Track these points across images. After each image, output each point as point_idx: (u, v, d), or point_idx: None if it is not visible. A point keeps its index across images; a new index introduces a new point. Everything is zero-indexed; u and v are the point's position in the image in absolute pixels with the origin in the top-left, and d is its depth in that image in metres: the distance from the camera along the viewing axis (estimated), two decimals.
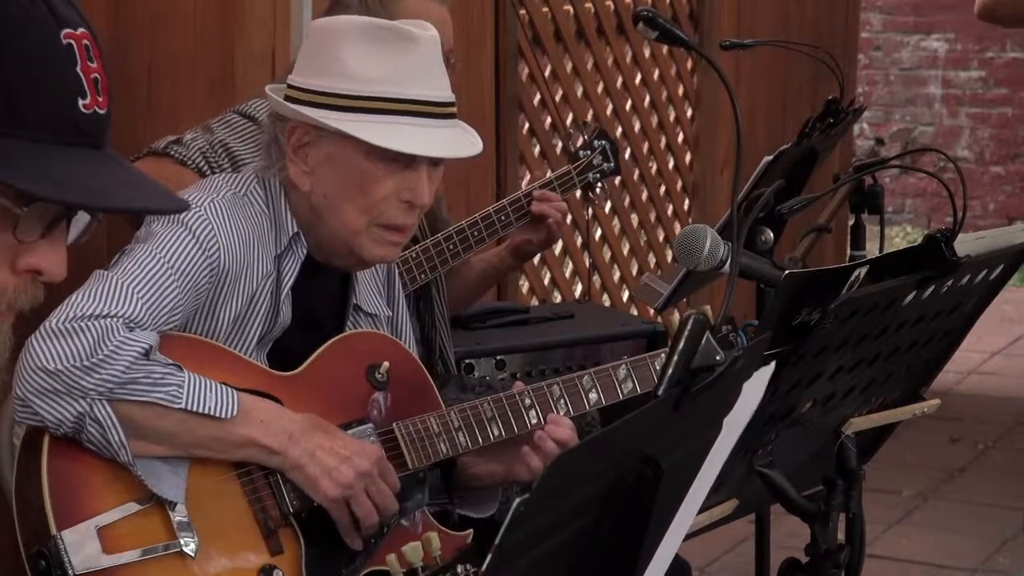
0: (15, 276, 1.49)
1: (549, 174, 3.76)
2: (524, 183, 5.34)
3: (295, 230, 2.71)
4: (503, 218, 3.55)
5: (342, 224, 2.68)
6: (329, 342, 2.75)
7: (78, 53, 1.47)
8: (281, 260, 2.71)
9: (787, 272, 2.35)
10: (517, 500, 1.45)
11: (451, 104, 2.67)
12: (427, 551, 2.34)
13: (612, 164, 3.70)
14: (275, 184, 2.72)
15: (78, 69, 1.46)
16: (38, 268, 1.49)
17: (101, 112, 1.49)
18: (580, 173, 3.68)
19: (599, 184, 3.72)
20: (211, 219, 2.63)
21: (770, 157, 3.44)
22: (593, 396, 2.84)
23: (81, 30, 1.47)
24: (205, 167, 3.30)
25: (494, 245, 3.81)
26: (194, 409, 2.51)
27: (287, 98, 2.67)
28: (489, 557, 1.45)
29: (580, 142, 3.71)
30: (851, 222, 3.30)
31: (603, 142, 3.70)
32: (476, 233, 3.50)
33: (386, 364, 2.76)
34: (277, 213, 2.71)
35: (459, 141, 2.68)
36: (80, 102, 1.46)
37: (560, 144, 5.51)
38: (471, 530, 2.76)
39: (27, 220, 1.45)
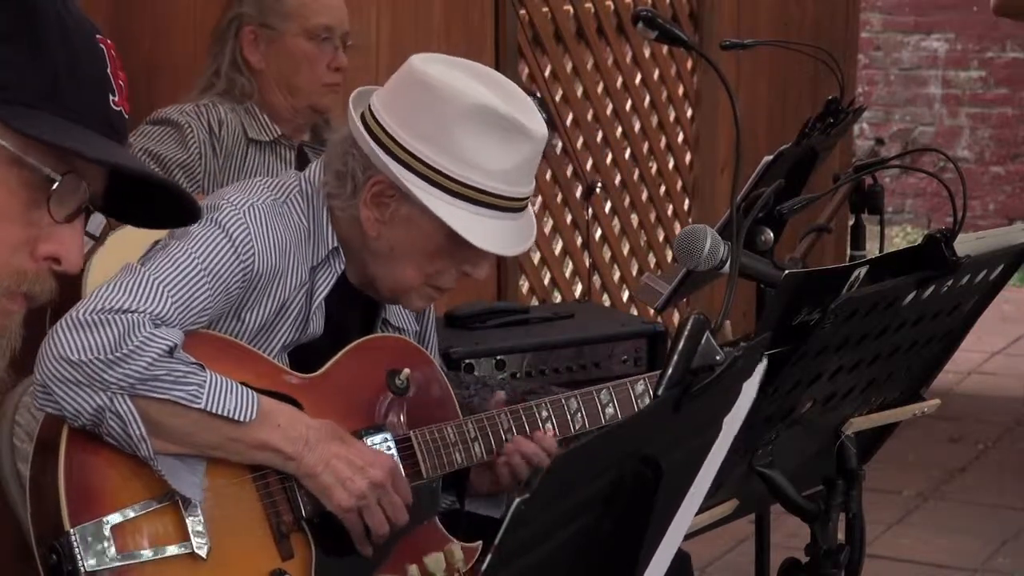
0: (34, 263, 1.52)
1: None
2: None
3: (335, 244, 2.70)
4: None
5: (398, 277, 2.70)
6: (351, 345, 2.74)
7: (108, 57, 1.54)
8: (316, 271, 2.70)
9: (787, 272, 2.35)
10: (517, 500, 1.45)
11: (529, 196, 2.69)
12: (449, 563, 2.34)
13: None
14: (319, 195, 2.71)
15: (109, 70, 1.54)
16: (57, 255, 1.52)
17: (126, 115, 1.56)
18: None
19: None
20: (249, 223, 2.61)
21: (770, 157, 3.44)
22: (610, 410, 2.85)
23: (110, 42, 1.55)
24: None
25: None
26: (214, 410, 2.51)
27: (379, 143, 2.61)
28: (489, 557, 1.45)
29: None
30: (851, 222, 3.30)
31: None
32: None
33: (406, 371, 2.75)
34: (318, 224, 2.70)
35: (527, 233, 2.70)
36: (111, 97, 1.54)
37: (560, 144, 5.51)
38: (480, 542, 2.75)
39: (62, 189, 1.49)
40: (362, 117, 2.65)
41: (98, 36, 1.54)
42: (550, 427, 2.81)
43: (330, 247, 2.70)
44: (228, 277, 2.59)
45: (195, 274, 2.56)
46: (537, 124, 2.64)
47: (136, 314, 2.49)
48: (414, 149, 2.59)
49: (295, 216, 2.69)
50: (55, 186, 1.48)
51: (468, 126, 2.58)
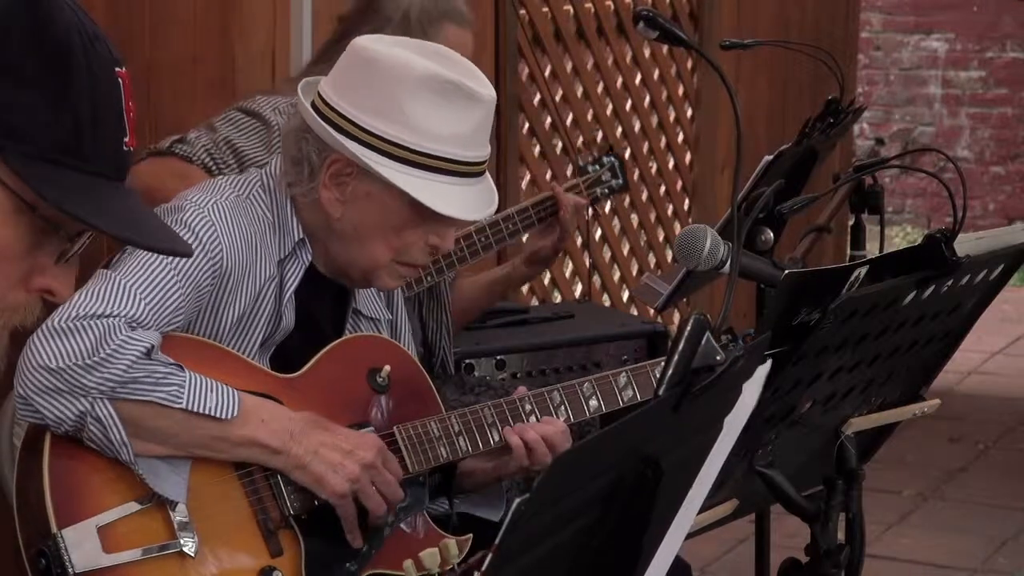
0: (27, 295, 1.52)
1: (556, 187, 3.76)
2: (524, 183, 5.34)
3: (300, 236, 2.71)
4: (511, 226, 3.55)
5: (367, 256, 2.69)
6: (330, 345, 2.75)
7: (123, 91, 1.51)
8: (284, 264, 2.71)
9: (787, 272, 2.35)
10: (517, 500, 1.45)
11: (486, 160, 2.71)
12: (444, 558, 2.34)
13: (620, 181, 3.72)
14: (281, 188, 2.72)
15: (123, 108, 1.51)
16: (51, 289, 1.52)
17: (132, 150, 1.54)
18: (588, 187, 3.69)
19: (607, 199, 3.74)
20: (214, 221, 2.63)
21: (770, 157, 3.44)
22: (593, 403, 2.86)
23: (124, 69, 1.52)
24: (211, 164, 3.30)
25: (493, 262, 3.81)
26: (195, 409, 2.51)
27: (332, 124, 2.62)
28: (490, 557, 1.45)
29: (589, 158, 3.73)
30: (851, 222, 3.30)
31: (612, 158, 3.71)
32: (483, 239, 3.50)
33: (387, 368, 2.76)
34: (282, 217, 2.71)
35: (488, 198, 2.71)
36: (124, 140, 1.51)
37: (560, 143, 5.52)
38: (471, 534, 2.76)
39: (71, 248, 1.50)
40: (313, 104, 2.67)
41: (116, 70, 1.51)
42: (534, 420, 2.82)
43: (296, 239, 2.71)
44: (198, 276, 2.60)
45: (166, 275, 2.57)
46: (485, 87, 2.66)
47: (111, 318, 2.49)
48: (367, 125, 2.60)
49: (259, 210, 2.70)
50: (67, 247, 1.49)
51: (417, 95, 2.59)
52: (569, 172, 5.47)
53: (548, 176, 5.46)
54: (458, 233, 3.46)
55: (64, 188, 1.45)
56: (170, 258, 2.57)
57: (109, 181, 1.50)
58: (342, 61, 2.69)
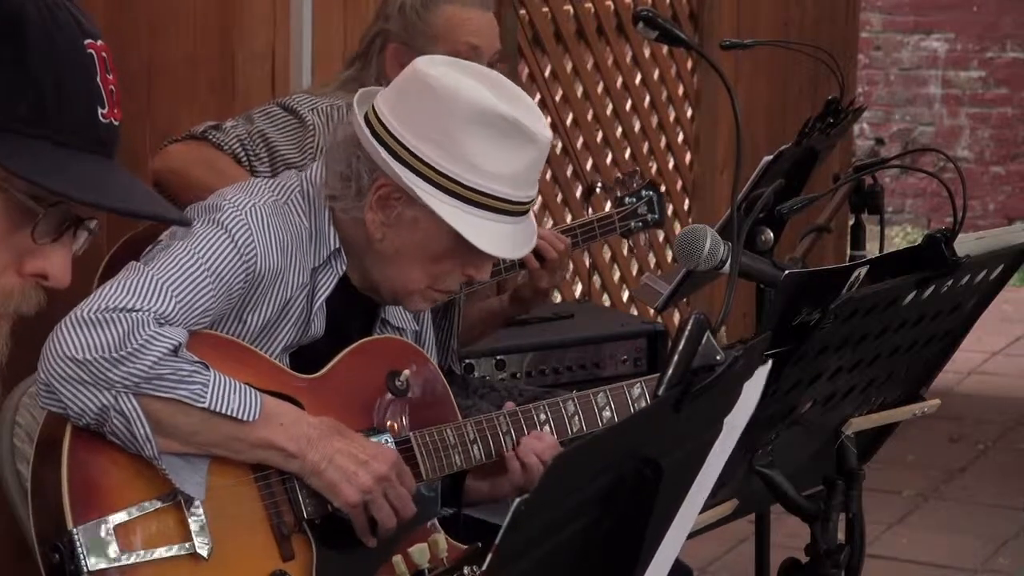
0: (21, 279, 1.49)
1: (591, 214, 3.74)
2: None
3: (336, 246, 2.70)
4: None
5: (403, 279, 2.69)
6: (351, 347, 2.74)
7: (98, 64, 1.49)
8: (317, 273, 2.70)
9: (787, 272, 2.35)
10: (517, 500, 1.45)
11: (533, 199, 2.69)
12: (433, 553, 2.33)
13: (656, 216, 3.69)
14: (320, 196, 2.70)
15: (98, 79, 1.49)
16: (45, 272, 1.49)
17: (116, 124, 1.51)
18: (623, 219, 3.67)
19: (641, 233, 3.72)
20: (251, 224, 2.61)
21: (770, 157, 3.44)
22: (607, 414, 2.86)
23: (100, 42, 1.50)
24: (242, 154, 3.29)
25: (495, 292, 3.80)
26: (218, 409, 2.50)
27: (386, 147, 2.60)
28: (489, 558, 1.45)
29: (628, 189, 3.71)
30: (851, 222, 3.30)
31: (651, 192, 3.69)
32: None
33: (406, 372, 2.76)
34: (319, 226, 2.69)
35: (528, 237, 2.70)
36: (99, 111, 1.48)
37: (560, 144, 5.52)
38: (479, 543, 2.75)
39: (46, 221, 1.47)
40: (366, 118, 2.65)
41: (87, 41, 1.48)
42: (548, 430, 2.82)
43: (332, 248, 2.70)
44: (231, 277, 2.59)
45: (198, 274, 2.56)
46: (542, 128, 2.63)
47: (140, 313, 2.49)
48: (421, 153, 2.59)
49: (296, 216, 2.69)
50: (39, 218, 1.45)
51: (474, 130, 2.58)
52: (579, 193, 5.50)
53: (548, 176, 5.46)
54: None
55: (30, 160, 1.42)
56: (204, 258, 2.56)
57: (88, 154, 1.47)
58: (401, 80, 2.67)
